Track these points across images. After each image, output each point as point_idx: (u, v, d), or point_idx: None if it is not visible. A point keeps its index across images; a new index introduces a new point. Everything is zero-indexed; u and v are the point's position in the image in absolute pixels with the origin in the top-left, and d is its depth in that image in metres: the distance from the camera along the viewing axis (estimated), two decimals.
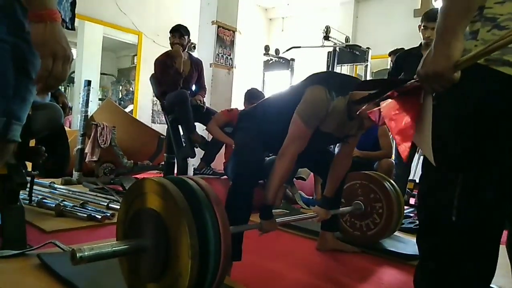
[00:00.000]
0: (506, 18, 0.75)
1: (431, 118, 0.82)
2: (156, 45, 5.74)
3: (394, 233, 2.30)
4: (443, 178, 0.83)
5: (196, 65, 3.56)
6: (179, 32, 3.36)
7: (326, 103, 1.54)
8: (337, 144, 2.78)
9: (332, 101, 1.55)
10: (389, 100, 0.95)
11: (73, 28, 1.22)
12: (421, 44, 2.79)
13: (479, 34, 0.77)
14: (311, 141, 1.58)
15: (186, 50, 3.46)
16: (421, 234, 0.90)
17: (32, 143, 2.22)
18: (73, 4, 1.19)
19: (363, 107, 1.21)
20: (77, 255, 0.97)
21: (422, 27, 2.62)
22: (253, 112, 1.83)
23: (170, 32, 3.40)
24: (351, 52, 5.40)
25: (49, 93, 2.15)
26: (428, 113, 0.83)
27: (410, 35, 5.03)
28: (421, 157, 3.35)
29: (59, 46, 0.81)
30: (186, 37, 3.40)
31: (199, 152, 3.45)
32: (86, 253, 0.98)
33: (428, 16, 2.64)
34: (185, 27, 3.43)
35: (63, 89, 5.76)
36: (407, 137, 0.85)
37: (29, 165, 2.19)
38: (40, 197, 2.46)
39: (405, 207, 2.66)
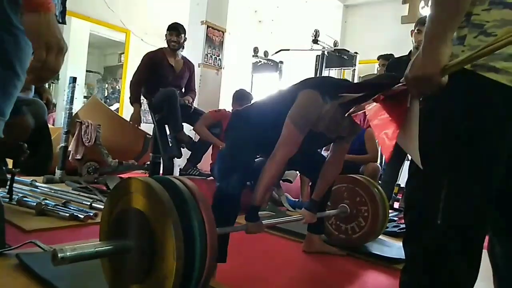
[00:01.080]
0: (493, 25, 0.77)
1: (418, 122, 0.83)
2: (144, 44, 5.67)
3: (379, 237, 2.32)
4: (429, 181, 0.84)
5: (188, 66, 3.57)
6: (177, 30, 3.36)
7: (319, 107, 1.55)
8: (327, 149, 2.80)
9: (326, 105, 1.55)
10: (374, 104, 0.96)
11: (63, 22, 1.20)
12: (410, 51, 2.83)
13: (466, 40, 0.79)
14: (303, 141, 1.58)
15: (180, 49, 3.46)
16: (407, 237, 0.91)
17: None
18: None
19: (351, 110, 1.22)
20: (59, 255, 0.94)
21: (416, 31, 2.66)
22: (246, 113, 1.82)
23: (168, 29, 3.38)
24: (339, 57, 5.45)
25: (33, 89, 2.10)
26: (415, 117, 0.84)
27: (398, 41, 5.10)
28: (407, 162, 3.40)
29: (53, 37, 0.79)
30: (183, 35, 3.41)
31: (186, 153, 3.43)
32: (68, 253, 0.96)
33: (422, 21, 2.69)
34: (182, 26, 3.43)
35: (47, 86, 5.63)
36: (391, 138, 0.86)
37: (9, 162, 2.14)
38: (20, 195, 2.40)
39: (390, 210, 2.69)
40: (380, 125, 0.91)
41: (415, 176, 0.89)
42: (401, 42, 4.05)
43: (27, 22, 0.79)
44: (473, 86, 0.78)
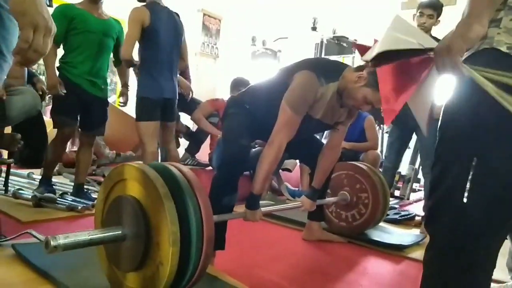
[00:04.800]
0: None
1: (433, 92, 0.87)
2: None
3: (379, 224, 2.30)
4: (457, 162, 0.84)
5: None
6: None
7: (315, 88, 1.51)
8: (325, 135, 2.77)
9: (321, 87, 1.52)
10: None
11: (50, 5, 1.16)
12: None
13: (502, 22, 0.80)
14: (301, 128, 1.54)
15: None
16: (431, 218, 0.91)
17: (8, 130, 2.13)
18: None
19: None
20: (52, 243, 0.92)
21: (418, 14, 2.56)
22: (242, 98, 1.77)
23: None
24: (338, 44, 5.39)
25: (26, 79, 2.06)
26: (432, 86, 0.87)
27: None
28: (408, 150, 3.36)
29: (41, 16, 0.75)
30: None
31: (184, 143, 3.39)
32: (61, 241, 0.93)
33: (424, 4, 2.59)
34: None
35: (43, 78, 5.56)
36: (399, 103, 0.90)
37: (5, 153, 2.11)
38: (17, 187, 2.37)
39: (390, 198, 2.67)
40: (390, 85, 0.94)
41: (442, 158, 0.88)
42: None
43: (13, 0, 0.75)
44: None
